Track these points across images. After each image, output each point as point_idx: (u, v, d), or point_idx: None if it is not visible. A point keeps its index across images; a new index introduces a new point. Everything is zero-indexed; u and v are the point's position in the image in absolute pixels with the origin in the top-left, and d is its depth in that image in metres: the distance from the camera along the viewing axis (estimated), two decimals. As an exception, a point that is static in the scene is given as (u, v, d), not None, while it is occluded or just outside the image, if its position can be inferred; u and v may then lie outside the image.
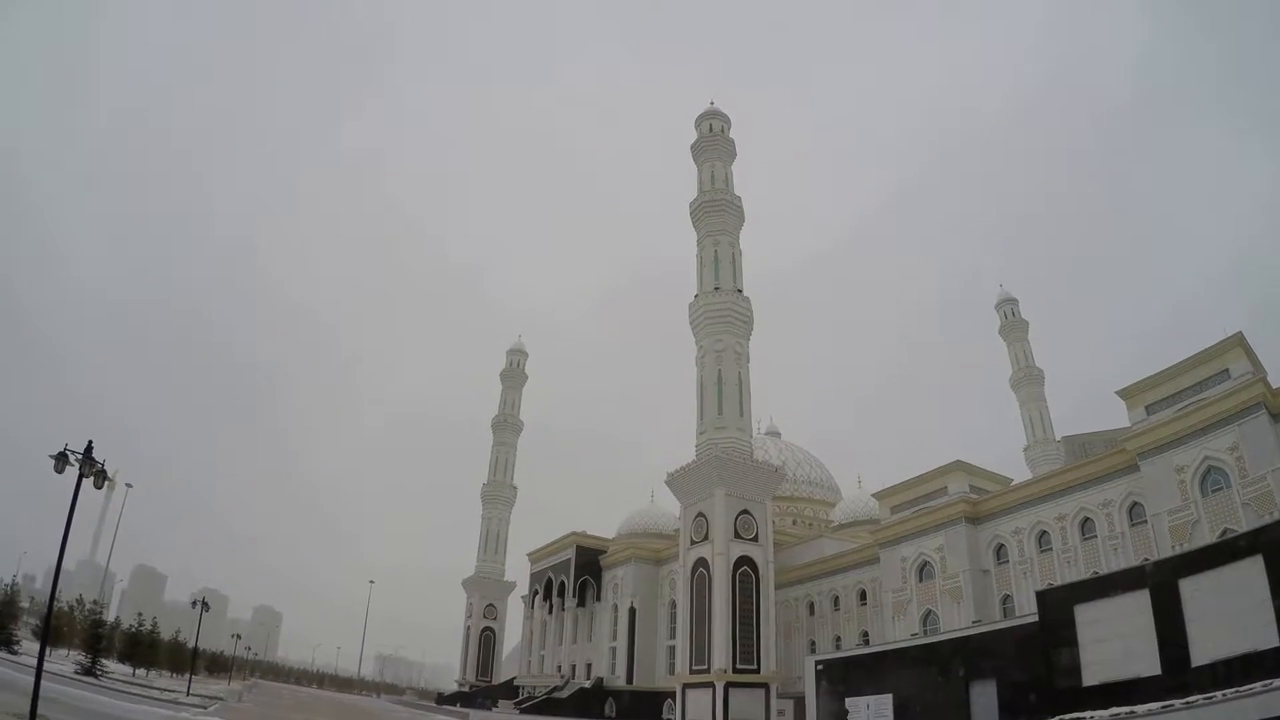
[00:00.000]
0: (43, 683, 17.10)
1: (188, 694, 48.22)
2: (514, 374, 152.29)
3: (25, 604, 79.33)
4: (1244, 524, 43.35)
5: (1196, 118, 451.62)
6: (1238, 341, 48.62)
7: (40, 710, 15.83)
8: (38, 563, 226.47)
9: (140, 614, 72.37)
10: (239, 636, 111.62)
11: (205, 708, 38.78)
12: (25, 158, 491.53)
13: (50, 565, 19.36)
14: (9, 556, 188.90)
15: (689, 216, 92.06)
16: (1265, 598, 26.29)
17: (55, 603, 46.14)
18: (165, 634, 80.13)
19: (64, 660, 55.40)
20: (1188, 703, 24.67)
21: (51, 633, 47.79)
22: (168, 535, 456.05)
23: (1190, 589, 29.09)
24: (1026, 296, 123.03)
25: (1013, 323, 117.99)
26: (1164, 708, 25.12)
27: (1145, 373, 53.82)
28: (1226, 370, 48.63)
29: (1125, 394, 54.23)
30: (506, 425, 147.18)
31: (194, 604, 58.10)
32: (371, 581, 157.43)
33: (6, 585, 61.18)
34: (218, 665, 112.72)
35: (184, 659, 74.12)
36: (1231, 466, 46.69)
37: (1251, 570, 27.32)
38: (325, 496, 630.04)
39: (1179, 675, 27.76)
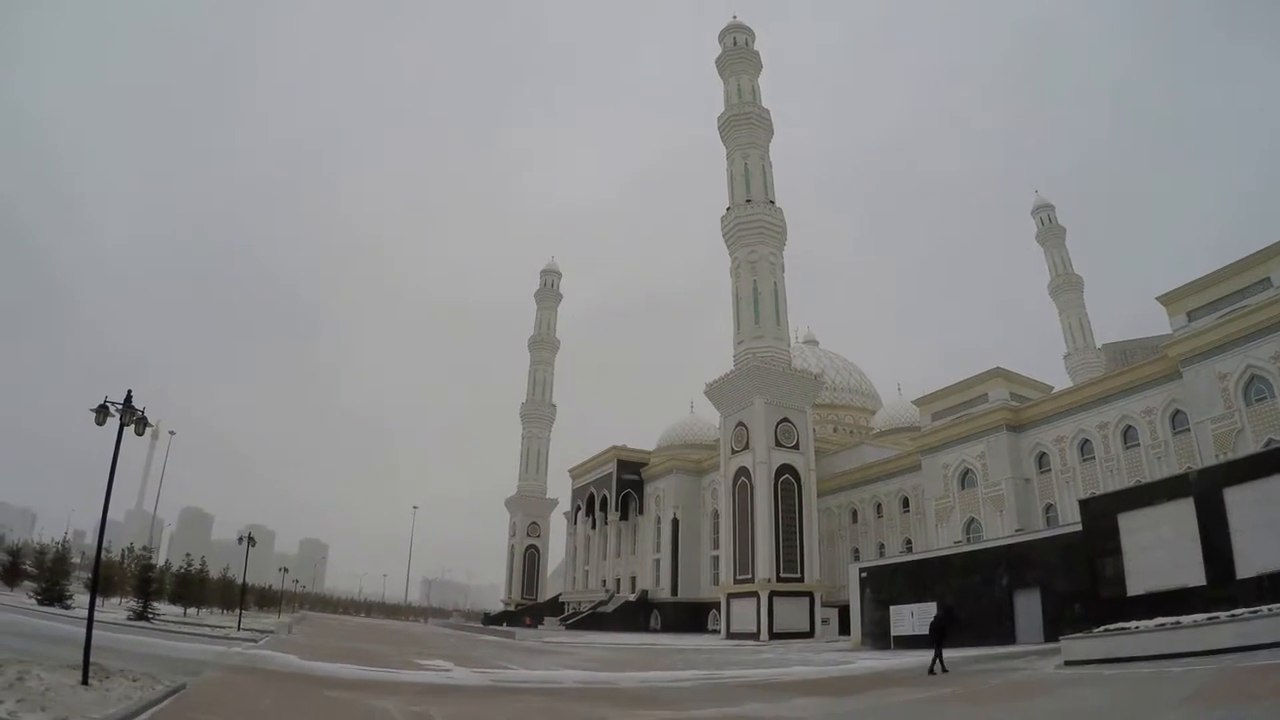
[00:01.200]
0: (96, 631, 17.30)
1: (238, 629, 49.37)
2: (548, 293, 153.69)
3: (76, 559, 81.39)
4: (1289, 433, 42.68)
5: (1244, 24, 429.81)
6: (1279, 250, 47.06)
7: (94, 659, 15.99)
8: (87, 519, 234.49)
9: (188, 555, 73.95)
10: (286, 570, 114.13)
11: (256, 641, 39.70)
12: (53, 94, 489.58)
13: (99, 519, 19.56)
14: (59, 515, 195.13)
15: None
16: (1312, 510, 25.79)
17: (105, 553, 47.19)
18: (214, 572, 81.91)
19: (116, 608, 56.77)
20: (1233, 615, 24.30)
21: (102, 583, 48.99)
22: (213, 476, 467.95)
23: (1235, 499, 28.55)
24: (1069, 201, 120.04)
25: (1050, 229, 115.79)
26: (1209, 619, 24.77)
27: (1187, 278, 52.37)
28: (1268, 278, 47.17)
29: (1166, 300, 52.82)
30: (543, 344, 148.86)
31: (240, 540, 58.98)
32: (415, 507, 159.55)
33: (56, 544, 62.60)
34: (266, 599, 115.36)
35: (233, 595, 75.77)
36: (1275, 375, 45.65)
37: (1298, 481, 26.77)
38: (367, 427, 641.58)
39: (1224, 587, 27.44)
